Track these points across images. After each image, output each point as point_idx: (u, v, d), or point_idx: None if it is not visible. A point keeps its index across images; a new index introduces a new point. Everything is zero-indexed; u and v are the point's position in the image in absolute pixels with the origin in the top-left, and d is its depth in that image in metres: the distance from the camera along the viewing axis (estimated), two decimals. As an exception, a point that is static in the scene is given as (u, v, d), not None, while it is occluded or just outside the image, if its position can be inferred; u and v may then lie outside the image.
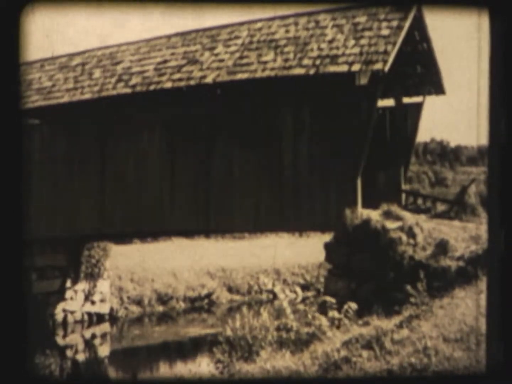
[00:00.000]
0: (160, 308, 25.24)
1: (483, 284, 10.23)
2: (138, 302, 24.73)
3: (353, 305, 11.41)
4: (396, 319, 10.36)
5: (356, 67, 14.73)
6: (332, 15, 16.27)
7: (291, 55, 15.74)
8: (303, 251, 30.24)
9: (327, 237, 16.00)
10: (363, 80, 14.66)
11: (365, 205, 15.39)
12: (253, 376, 9.52)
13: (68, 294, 21.70)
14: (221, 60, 16.60)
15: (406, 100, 19.08)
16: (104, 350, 20.61)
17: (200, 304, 26.47)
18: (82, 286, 22.12)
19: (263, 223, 16.19)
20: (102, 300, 22.90)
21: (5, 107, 7.34)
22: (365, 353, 9.01)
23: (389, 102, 19.14)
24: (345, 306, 11.38)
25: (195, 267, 27.49)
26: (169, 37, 18.42)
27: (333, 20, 16.14)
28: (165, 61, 17.55)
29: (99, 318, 22.74)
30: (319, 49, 15.56)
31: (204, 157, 16.61)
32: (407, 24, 15.24)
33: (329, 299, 11.71)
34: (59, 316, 21.55)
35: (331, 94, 15.36)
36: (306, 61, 15.43)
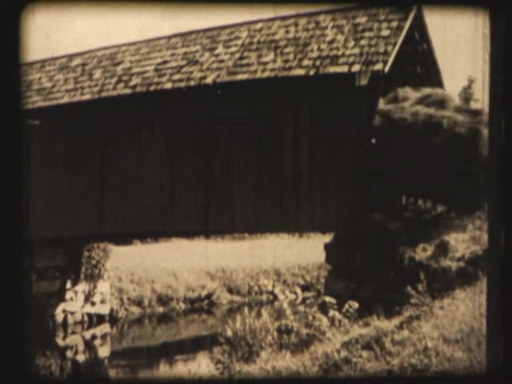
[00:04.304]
0: (160, 309, 25.22)
1: (483, 285, 10.22)
2: (138, 303, 24.71)
3: (354, 304, 11.40)
4: (396, 320, 10.35)
5: (356, 68, 14.74)
6: (332, 16, 16.27)
7: (291, 56, 15.75)
8: (303, 252, 30.23)
9: (327, 237, 15.99)
10: (363, 81, 14.67)
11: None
12: (253, 376, 9.52)
13: (68, 295, 21.68)
14: (221, 61, 16.61)
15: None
16: (104, 351, 20.59)
17: (200, 305, 26.45)
18: (82, 287, 22.10)
19: (263, 224, 16.19)
20: (102, 301, 22.87)
21: (6, 108, 7.34)
22: (365, 354, 9.01)
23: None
24: (346, 305, 11.37)
25: (195, 268, 27.45)
26: (169, 37, 18.43)
27: (333, 21, 16.15)
28: (165, 62, 17.56)
29: (99, 319, 22.71)
30: (319, 49, 15.56)
31: (204, 157, 16.61)
32: (407, 24, 15.25)
33: (329, 299, 11.70)
34: (59, 317, 21.53)
35: (331, 95, 15.36)
36: (306, 62, 15.43)
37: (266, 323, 11.67)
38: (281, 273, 29.38)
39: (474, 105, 15.90)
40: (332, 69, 15.03)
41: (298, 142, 15.67)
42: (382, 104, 15.14)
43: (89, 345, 20.83)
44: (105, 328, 22.56)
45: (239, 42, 16.91)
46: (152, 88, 17.03)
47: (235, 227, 16.94)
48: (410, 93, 15.56)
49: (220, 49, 17.00)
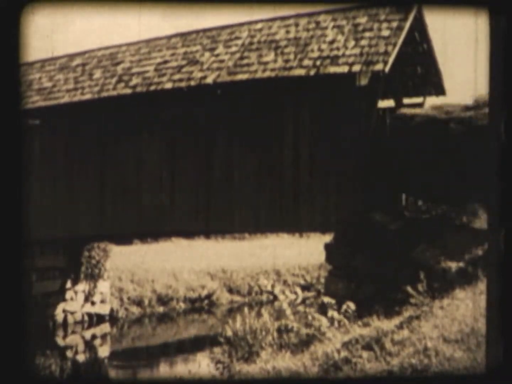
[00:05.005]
0: (160, 309, 25.23)
1: (483, 285, 10.22)
2: (138, 303, 24.73)
3: (352, 305, 11.41)
4: (396, 320, 10.35)
5: (356, 68, 14.74)
6: (332, 16, 16.28)
7: (291, 56, 15.75)
8: (303, 252, 30.25)
9: (327, 237, 16.00)
10: (364, 81, 14.67)
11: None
12: (253, 376, 9.53)
13: (68, 294, 21.70)
14: (222, 61, 16.61)
15: (406, 100, 19.08)
16: (104, 351, 20.60)
17: (200, 305, 26.47)
18: (82, 286, 22.12)
19: (263, 224, 16.19)
20: (102, 301, 22.89)
21: (6, 108, 7.33)
22: (365, 354, 9.01)
23: (389, 103, 19.14)
24: (344, 306, 11.39)
25: (195, 268, 27.48)
26: (169, 37, 18.43)
27: (333, 21, 16.15)
28: (166, 62, 17.56)
29: (99, 319, 22.73)
30: (320, 49, 15.57)
31: (204, 157, 16.61)
32: (407, 24, 15.25)
33: (328, 299, 11.70)
34: (59, 316, 21.54)
35: (332, 95, 15.37)
36: (306, 62, 15.43)
37: (266, 323, 11.68)
38: (281, 273, 29.41)
39: None
40: (332, 69, 15.04)
41: (298, 142, 15.67)
42: (460, 112, 14.77)
43: (89, 345, 20.84)
44: (105, 328, 22.57)
45: (240, 42, 16.92)
46: (152, 88, 17.03)
47: (235, 227, 16.95)
48: None
49: (220, 49, 17.00)
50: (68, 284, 21.65)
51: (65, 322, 21.65)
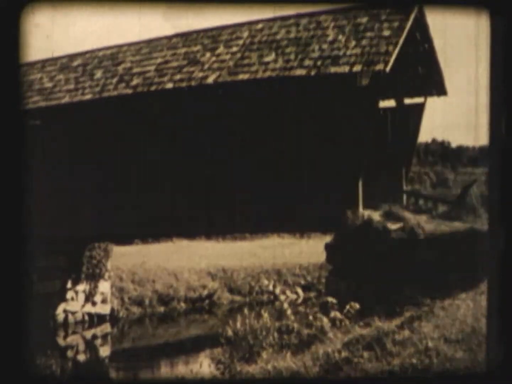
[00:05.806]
0: (161, 309, 25.23)
1: (484, 285, 10.22)
2: (139, 303, 24.73)
3: (355, 305, 11.40)
4: (397, 320, 10.35)
5: (357, 68, 14.73)
6: (333, 16, 16.27)
7: (292, 56, 15.75)
8: (304, 252, 30.22)
9: (328, 238, 16.00)
10: (365, 81, 14.67)
11: (366, 205, 15.39)
12: (254, 377, 9.52)
13: (69, 294, 21.70)
14: (222, 61, 16.61)
15: (407, 101, 19.07)
16: (105, 351, 20.60)
17: (201, 305, 26.46)
18: (83, 286, 22.11)
19: (264, 224, 16.19)
20: (103, 301, 22.88)
21: (6, 108, 7.34)
22: (366, 354, 9.00)
23: (390, 103, 19.13)
24: (347, 306, 11.38)
25: (196, 268, 27.47)
26: (170, 37, 18.43)
27: (334, 21, 16.15)
28: (166, 62, 17.56)
29: (100, 319, 22.72)
30: (321, 49, 15.56)
31: (205, 157, 16.61)
32: (408, 24, 15.24)
33: (330, 299, 11.70)
34: (60, 316, 21.54)
35: (332, 95, 15.36)
36: (307, 62, 15.43)
37: (266, 323, 11.67)
38: (282, 273, 29.38)
39: None
40: (333, 69, 15.03)
41: (298, 141, 15.67)
42: None
43: (89, 345, 20.84)
44: (106, 328, 22.56)
45: (240, 42, 16.91)
46: (153, 88, 17.03)
47: (235, 227, 16.95)
48: None
49: (221, 49, 17.00)
50: (69, 284, 21.64)
51: (65, 322, 21.64)
